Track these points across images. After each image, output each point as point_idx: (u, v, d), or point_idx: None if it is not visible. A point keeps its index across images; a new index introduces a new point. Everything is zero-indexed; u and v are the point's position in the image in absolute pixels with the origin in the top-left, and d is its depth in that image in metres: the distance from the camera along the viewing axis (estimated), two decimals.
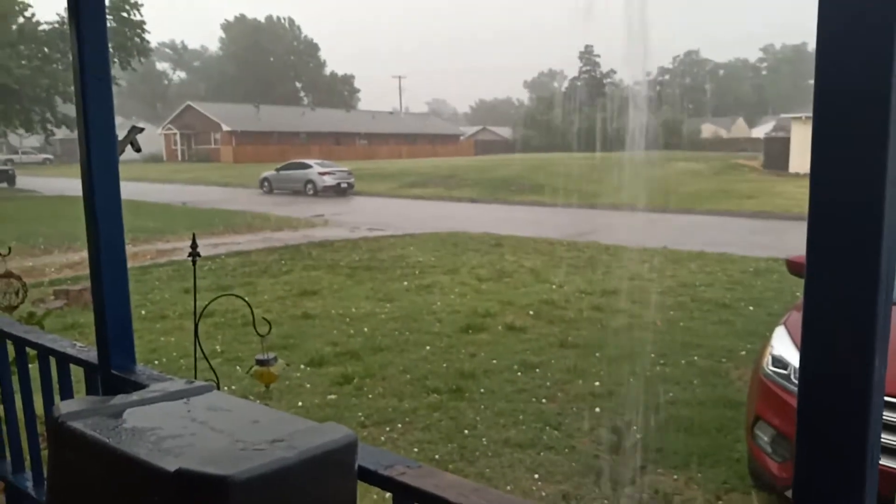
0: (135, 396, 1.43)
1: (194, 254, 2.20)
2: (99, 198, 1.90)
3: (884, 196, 0.68)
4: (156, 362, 6.11)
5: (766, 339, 3.91)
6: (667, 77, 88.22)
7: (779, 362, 3.52)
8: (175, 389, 1.47)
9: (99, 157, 1.89)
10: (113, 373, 2.01)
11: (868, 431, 0.72)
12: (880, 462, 2.65)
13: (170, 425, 1.29)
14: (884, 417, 2.71)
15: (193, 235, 2.20)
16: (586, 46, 64.07)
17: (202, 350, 2.17)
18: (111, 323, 2.01)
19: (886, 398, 2.79)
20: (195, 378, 1.74)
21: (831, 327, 0.72)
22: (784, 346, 3.57)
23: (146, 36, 32.24)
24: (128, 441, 1.21)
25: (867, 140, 0.68)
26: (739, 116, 74.17)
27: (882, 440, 2.74)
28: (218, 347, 6.49)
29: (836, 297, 0.72)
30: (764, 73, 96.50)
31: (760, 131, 56.65)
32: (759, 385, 3.61)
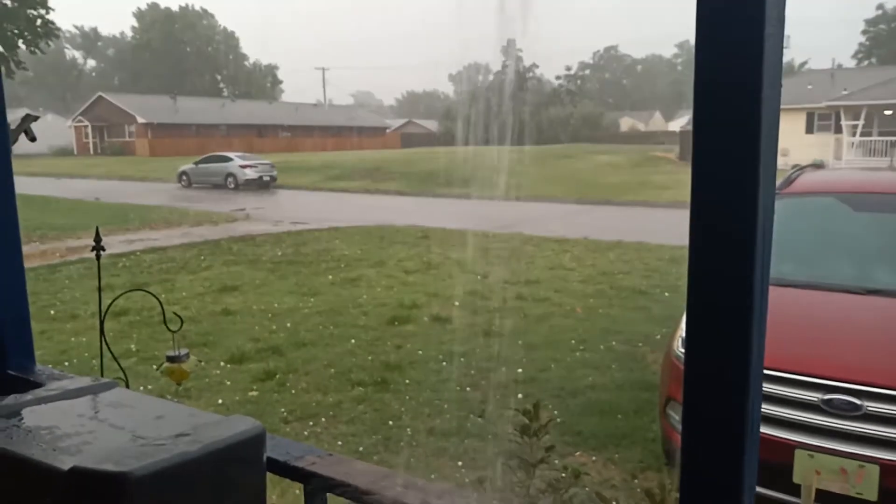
0: (29, 396, 1.37)
1: (98, 247, 2.11)
2: None
3: (757, 181, 0.73)
4: (66, 364, 5.84)
5: (677, 322, 4.08)
6: (587, 72, 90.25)
7: None
8: (75, 387, 1.42)
9: None
10: (9, 373, 1.91)
11: (747, 403, 0.76)
12: (775, 434, 2.82)
13: (67, 424, 1.24)
14: (776, 391, 2.88)
15: (97, 228, 2.12)
16: (509, 41, 64.73)
17: (108, 347, 2.09)
18: (8, 321, 1.91)
19: (782, 374, 2.96)
20: (101, 377, 1.68)
21: (713, 309, 0.77)
22: None
23: (52, 17, 30.34)
24: (20, 442, 1.16)
25: (741, 133, 0.73)
26: (656, 110, 76.70)
27: (776, 412, 2.91)
28: (133, 346, 6.26)
29: (716, 281, 0.76)
30: (679, 68, 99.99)
31: (676, 125, 58.74)
32: (670, 366, 3.75)
